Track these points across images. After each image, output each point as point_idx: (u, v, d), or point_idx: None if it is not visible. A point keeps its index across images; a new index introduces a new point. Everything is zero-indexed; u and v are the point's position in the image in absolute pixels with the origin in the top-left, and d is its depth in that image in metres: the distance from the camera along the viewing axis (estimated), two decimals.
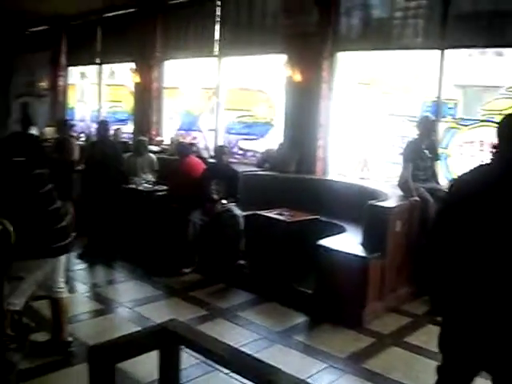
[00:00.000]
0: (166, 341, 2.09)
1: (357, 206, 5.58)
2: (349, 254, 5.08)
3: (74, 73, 12.99)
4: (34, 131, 8.21)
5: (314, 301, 5.30)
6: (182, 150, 7.28)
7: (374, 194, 5.93)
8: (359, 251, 5.11)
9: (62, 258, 3.99)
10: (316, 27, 7.32)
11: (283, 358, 4.25)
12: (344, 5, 7.40)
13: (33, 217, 3.62)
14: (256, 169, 7.84)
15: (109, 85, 11.79)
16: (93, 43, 11.88)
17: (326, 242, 5.30)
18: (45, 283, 4.01)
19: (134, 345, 2.12)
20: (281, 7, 7.87)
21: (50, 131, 10.55)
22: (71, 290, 5.31)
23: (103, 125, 7.48)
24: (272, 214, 6.22)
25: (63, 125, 7.71)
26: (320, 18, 7.29)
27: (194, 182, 6.68)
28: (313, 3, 7.30)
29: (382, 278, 5.16)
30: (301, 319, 5.18)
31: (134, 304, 5.39)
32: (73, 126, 8.16)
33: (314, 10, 7.30)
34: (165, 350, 2.10)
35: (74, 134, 8.21)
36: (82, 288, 5.83)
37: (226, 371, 3.40)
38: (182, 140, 8.71)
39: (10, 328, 4.10)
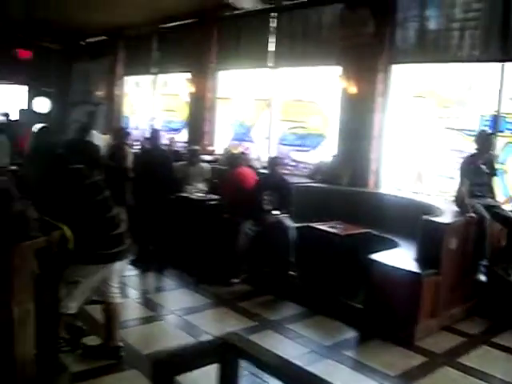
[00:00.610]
0: (226, 354, 2.08)
1: (410, 221, 5.47)
2: (402, 269, 4.98)
3: (130, 82, 13.30)
4: (91, 138, 8.38)
5: (364, 316, 5.22)
6: (234, 160, 7.32)
7: (428, 209, 5.80)
8: (413, 267, 5.01)
9: (118, 264, 4.02)
10: (372, 39, 7.26)
11: (332, 372, 4.18)
12: (400, 16, 7.32)
13: (90, 223, 3.68)
14: (308, 180, 7.80)
15: (163, 94, 11.98)
16: (149, 53, 12.12)
17: (378, 256, 5.21)
18: (99, 288, 4.08)
19: (194, 357, 2.11)
20: (337, 18, 7.84)
21: (105, 139, 10.78)
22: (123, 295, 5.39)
23: (154, 134, 7.61)
24: (324, 227, 6.16)
25: (119, 133, 7.88)
26: (376, 30, 7.23)
27: (245, 192, 6.69)
28: (369, 14, 7.24)
29: (435, 295, 5.03)
30: (351, 334, 5.10)
31: (184, 312, 5.42)
32: (128, 134, 8.31)
33: (370, 21, 7.24)
34: (225, 364, 2.08)
35: (129, 142, 8.35)
36: (133, 294, 5.90)
37: None
38: (234, 150, 8.75)
39: (64, 330, 4.21)
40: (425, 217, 5.26)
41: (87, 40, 14.21)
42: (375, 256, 5.20)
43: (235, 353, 2.07)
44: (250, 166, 7.52)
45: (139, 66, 12.49)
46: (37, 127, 6.84)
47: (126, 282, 6.18)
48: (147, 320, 5.25)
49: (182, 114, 11.23)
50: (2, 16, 10.22)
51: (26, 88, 14.82)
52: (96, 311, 4.65)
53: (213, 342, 2.41)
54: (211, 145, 10.18)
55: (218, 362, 2.10)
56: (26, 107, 14.04)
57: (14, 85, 14.60)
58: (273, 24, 9.10)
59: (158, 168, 7.00)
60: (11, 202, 3.20)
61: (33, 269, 3.35)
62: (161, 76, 11.99)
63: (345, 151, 7.64)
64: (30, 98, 14.73)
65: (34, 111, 13.33)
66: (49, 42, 11.49)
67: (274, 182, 6.60)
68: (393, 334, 4.87)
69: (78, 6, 10.29)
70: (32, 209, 3.08)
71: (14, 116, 12.30)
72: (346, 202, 6.93)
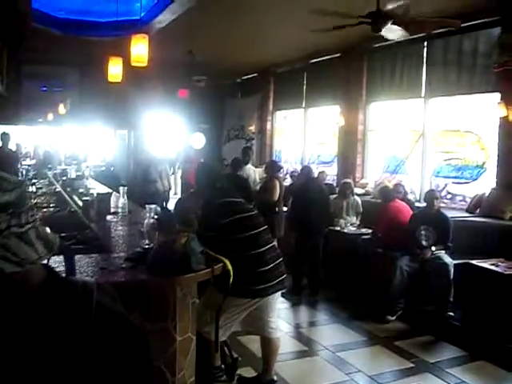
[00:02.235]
0: None
1: None
2: None
3: (279, 117, 13.63)
4: (246, 173, 8.68)
5: None
6: (386, 194, 7.15)
7: None
8: None
9: (270, 298, 3.98)
10: None
11: None
12: None
13: (237, 258, 3.63)
14: (466, 214, 7.39)
15: (314, 128, 12.11)
16: (298, 88, 12.35)
17: None
18: (255, 322, 4.09)
19: None
20: (493, 43, 7.46)
21: (258, 172, 11.11)
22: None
23: (307, 168, 7.67)
24: (486, 265, 5.75)
25: (270, 166, 8.07)
26: None
27: (401, 227, 6.49)
28: None
29: None
30: None
31: (337, 348, 5.31)
32: (280, 167, 8.48)
33: None
34: None
35: (280, 176, 8.52)
36: (285, 327, 5.90)
37: None
38: (386, 183, 8.57)
39: (221, 360, 4.31)
40: None
41: (241, 78, 14.86)
42: None
43: None
44: (404, 200, 7.30)
45: (289, 100, 12.79)
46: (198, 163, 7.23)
47: (278, 314, 6.23)
48: (300, 355, 5.21)
49: (332, 147, 11.25)
50: (168, 62, 11.04)
51: (182, 124, 15.81)
52: (252, 343, 4.72)
53: None
54: (363, 178, 10.06)
55: None
56: (186, 143, 14.92)
57: (172, 121, 15.65)
58: (424, 53, 8.87)
59: (314, 201, 7.02)
60: (174, 234, 3.36)
61: (194, 300, 3.47)
62: (310, 110, 12.14)
63: (506, 183, 7.15)
64: (187, 134, 15.69)
65: (192, 147, 14.13)
66: (204, 81, 12.21)
67: (431, 216, 6.32)
68: None
69: (234, 50, 10.87)
70: (196, 241, 3.20)
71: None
72: (509, 237, 6.44)
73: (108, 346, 1.09)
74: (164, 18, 8.56)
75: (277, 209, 7.40)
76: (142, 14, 9.07)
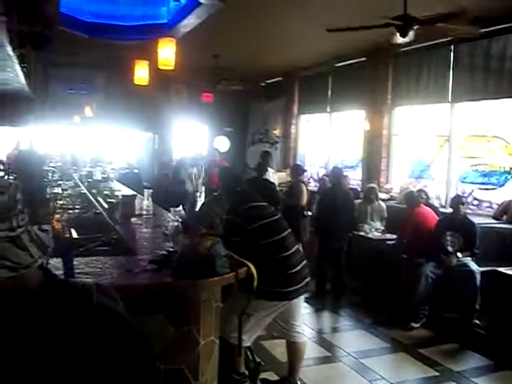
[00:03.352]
0: None
1: None
2: None
3: (304, 121, 13.61)
4: (269, 177, 8.67)
5: None
6: (412, 199, 7.07)
7: None
8: None
9: (296, 302, 3.98)
10: None
11: None
12: None
13: (265, 262, 3.66)
14: (493, 221, 7.28)
15: (339, 132, 12.05)
16: (323, 92, 12.28)
17: None
18: (279, 326, 4.07)
19: None
20: None
21: (282, 176, 11.11)
22: None
23: (336, 172, 7.62)
24: None
25: (295, 170, 8.04)
26: None
27: (426, 232, 6.42)
28: None
29: None
30: None
31: (360, 355, 5.26)
32: (304, 171, 8.46)
33: None
34: None
35: (305, 180, 8.49)
36: (308, 333, 5.84)
37: None
38: (411, 188, 8.49)
39: (244, 365, 4.29)
40: None
41: (265, 82, 14.87)
42: None
43: None
44: (429, 205, 7.22)
45: (314, 104, 12.74)
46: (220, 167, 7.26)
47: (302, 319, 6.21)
48: (323, 360, 5.18)
49: (357, 151, 11.19)
50: (194, 65, 11.09)
51: (206, 128, 15.89)
52: (275, 347, 4.71)
53: None
54: (388, 183, 9.98)
55: None
56: (211, 146, 15.00)
57: (196, 124, 15.75)
58: (451, 57, 8.77)
59: (340, 206, 6.99)
60: (198, 237, 3.36)
61: (218, 303, 3.47)
62: (335, 114, 12.10)
63: None
64: (211, 138, 15.76)
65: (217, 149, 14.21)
66: (228, 84, 12.24)
67: (457, 222, 6.24)
68: None
69: (258, 54, 10.89)
70: (221, 245, 3.20)
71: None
72: None
73: (107, 347, 1.08)
74: (190, 22, 8.58)
75: (305, 213, 7.37)
76: (168, 18, 9.13)
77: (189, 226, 3.92)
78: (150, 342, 1.19)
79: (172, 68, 6.57)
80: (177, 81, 13.21)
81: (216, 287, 3.32)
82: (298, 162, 12.13)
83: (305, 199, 7.42)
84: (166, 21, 9.15)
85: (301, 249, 6.56)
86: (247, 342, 3.88)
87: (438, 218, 6.64)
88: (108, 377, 1.07)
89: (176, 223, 3.81)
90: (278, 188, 8.78)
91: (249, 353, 4.36)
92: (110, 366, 1.07)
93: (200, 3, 7.56)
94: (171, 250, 3.44)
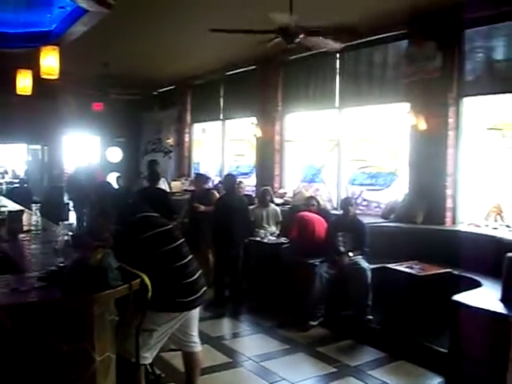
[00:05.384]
0: None
1: (492, 259, 5.25)
2: (488, 311, 4.70)
3: (198, 129, 13.61)
4: (161, 186, 8.59)
5: (449, 361, 4.95)
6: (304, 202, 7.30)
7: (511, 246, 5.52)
8: (500, 308, 4.72)
9: (194, 312, 3.93)
10: (440, 73, 7.12)
11: None
12: (468, 48, 7.13)
13: (162, 272, 3.61)
14: (381, 220, 7.62)
15: (231, 139, 12.16)
16: (215, 100, 12.37)
17: (461, 297, 4.97)
18: (177, 337, 4.01)
19: None
20: (402, 55, 7.78)
21: (177, 185, 11.05)
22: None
23: (230, 179, 7.67)
24: (401, 267, 5.97)
25: (199, 179, 8.04)
26: (443, 63, 7.09)
27: (309, 236, 6.63)
28: (435, 48, 7.13)
29: None
30: (435, 381, 4.87)
31: (261, 358, 5.34)
32: (208, 178, 8.49)
33: (437, 55, 7.13)
34: None
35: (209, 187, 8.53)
36: (208, 340, 5.84)
37: None
38: (304, 192, 8.73)
39: (144, 379, 4.20)
40: (509, 254, 5.00)
41: (157, 90, 14.73)
42: (457, 297, 4.95)
43: None
44: (320, 211, 7.44)
45: (207, 112, 12.77)
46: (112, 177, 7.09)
47: (200, 327, 6.17)
48: (224, 367, 5.17)
49: (250, 157, 11.34)
50: (83, 74, 10.79)
51: (98, 139, 15.51)
52: (174, 358, 4.65)
53: None
54: (282, 187, 10.18)
55: None
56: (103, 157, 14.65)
57: (87, 135, 15.33)
58: (337, 64, 9.11)
59: (235, 213, 7.05)
60: (89, 250, 3.25)
61: (113, 317, 3.38)
62: (228, 122, 12.20)
63: (418, 189, 7.44)
64: (103, 148, 15.39)
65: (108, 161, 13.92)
66: (119, 94, 12.02)
67: (348, 222, 6.49)
68: (481, 381, 4.59)
69: (150, 63, 10.78)
70: (112, 256, 3.12)
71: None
72: (422, 240, 6.69)
73: None
74: (76, 30, 8.33)
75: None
76: (54, 26, 8.82)
77: (78, 239, 3.79)
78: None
79: (56, 77, 6.34)
80: (65, 90, 12.75)
81: (109, 300, 3.23)
82: (195, 172, 12.14)
83: None
84: (51, 28, 8.83)
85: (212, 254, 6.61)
86: (150, 359, 3.78)
87: (325, 221, 6.88)
88: None
89: (66, 237, 3.68)
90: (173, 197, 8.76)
91: (148, 365, 4.27)
92: None
93: (86, 10, 7.36)
94: (61, 265, 3.32)
